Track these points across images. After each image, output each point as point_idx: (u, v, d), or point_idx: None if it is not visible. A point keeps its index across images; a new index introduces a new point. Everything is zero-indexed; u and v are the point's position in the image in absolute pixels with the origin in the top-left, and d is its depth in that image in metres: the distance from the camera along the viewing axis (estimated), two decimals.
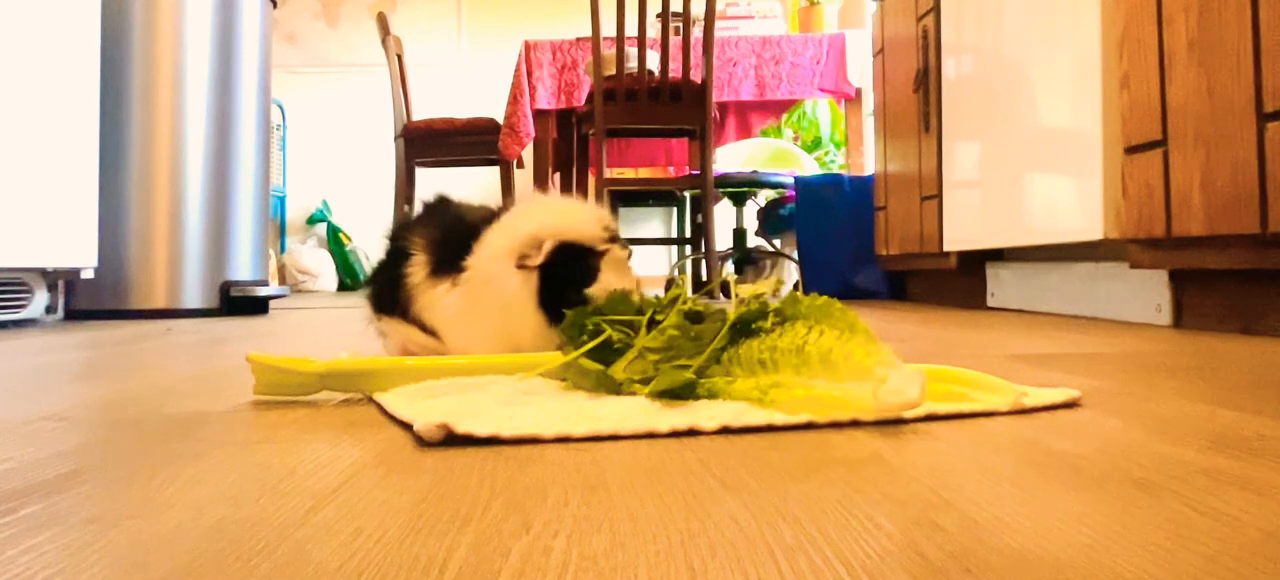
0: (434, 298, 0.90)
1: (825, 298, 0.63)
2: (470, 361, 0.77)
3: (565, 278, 0.86)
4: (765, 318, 0.64)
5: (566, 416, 0.57)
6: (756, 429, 0.55)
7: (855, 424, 0.56)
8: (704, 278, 3.09)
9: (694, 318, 0.68)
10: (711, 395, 0.62)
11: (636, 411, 0.58)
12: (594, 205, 0.94)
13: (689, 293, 0.73)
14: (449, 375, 0.74)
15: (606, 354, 0.70)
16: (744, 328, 0.65)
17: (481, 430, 0.53)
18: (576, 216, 0.90)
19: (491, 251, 0.88)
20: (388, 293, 0.95)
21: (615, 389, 0.67)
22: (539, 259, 0.85)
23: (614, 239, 0.90)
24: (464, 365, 0.76)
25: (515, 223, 0.90)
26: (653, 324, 0.70)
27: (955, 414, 0.59)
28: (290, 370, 0.70)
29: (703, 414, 0.57)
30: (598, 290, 0.85)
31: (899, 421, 0.57)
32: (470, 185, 4.48)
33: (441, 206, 1.00)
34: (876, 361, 0.57)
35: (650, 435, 0.54)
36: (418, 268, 0.92)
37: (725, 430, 0.55)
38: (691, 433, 0.54)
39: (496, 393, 0.68)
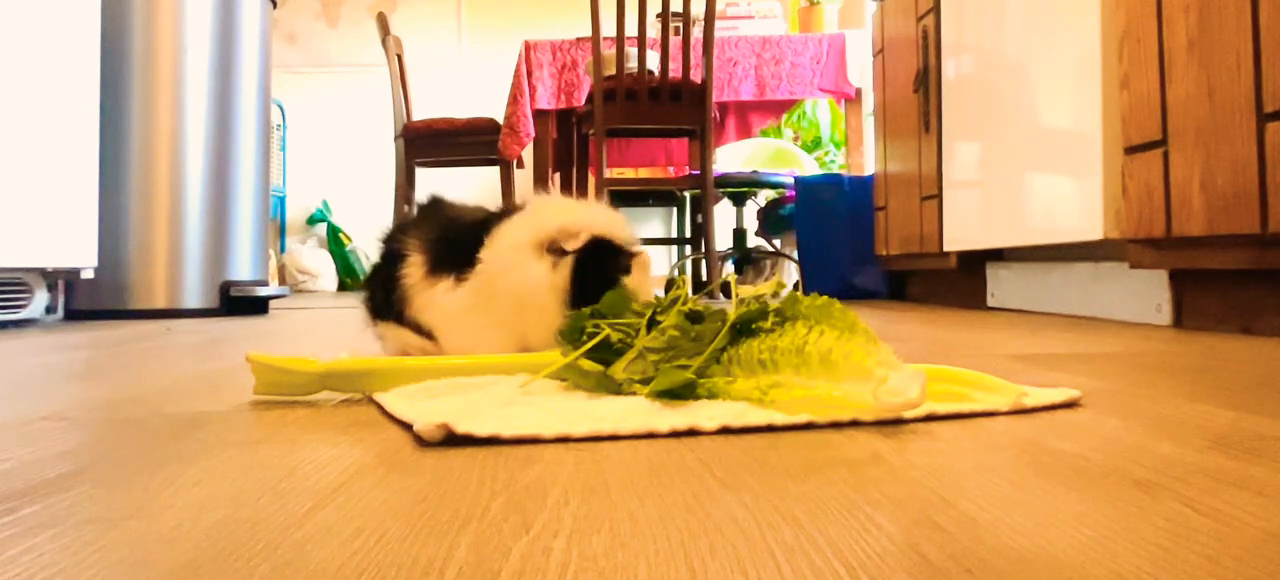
0: (432, 297, 0.90)
1: (825, 298, 0.62)
2: (471, 362, 0.77)
3: (600, 268, 0.86)
4: (765, 318, 0.64)
5: (566, 416, 0.57)
6: (756, 429, 0.55)
7: (855, 424, 0.56)
8: (704, 278, 3.09)
9: (694, 318, 0.68)
10: (712, 395, 0.62)
11: (637, 411, 0.58)
12: (620, 215, 0.95)
13: (690, 293, 0.73)
14: (449, 375, 0.74)
15: (606, 354, 0.70)
16: (744, 328, 0.65)
17: (481, 430, 0.53)
18: (606, 217, 0.91)
19: (511, 242, 0.88)
20: (383, 297, 0.95)
21: (615, 389, 0.67)
22: (577, 245, 0.86)
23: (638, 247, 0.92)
24: (464, 365, 0.76)
25: (536, 217, 0.90)
26: (653, 324, 0.70)
27: (956, 414, 0.59)
28: (290, 370, 0.70)
29: (703, 414, 0.57)
30: (632, 283, 0.86)
31: (899, 421, 0.57)
32: (470, 185, 4.48)
33: (435, 207, 0.99)
34: (876, 361, 0.57)
35: (650, 435, 0.54)
36: (414, 268, 0.91)
37: (725, 430, 0.55)
38: (692, 433, 0.54)
39: (497, 393, 0.68)
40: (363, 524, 0.37)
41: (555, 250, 0.86)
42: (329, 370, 0.71)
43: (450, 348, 0.90)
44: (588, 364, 0.69)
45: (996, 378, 0.65)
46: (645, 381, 0.65)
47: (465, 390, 0.69)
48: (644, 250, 0.91)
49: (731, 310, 0.67)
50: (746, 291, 0.68)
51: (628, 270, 0.88)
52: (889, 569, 0.30)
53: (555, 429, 0.54)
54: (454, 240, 0.90)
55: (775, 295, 0.68)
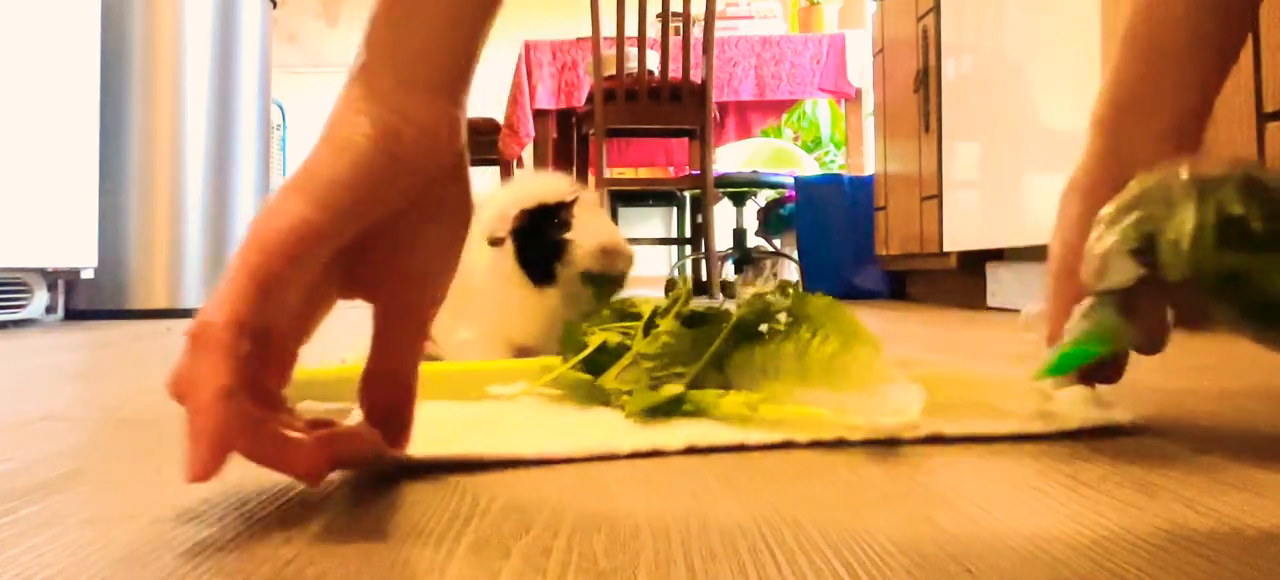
0: None
1: (828, 299, 0.58)
2: (454, 368, 0.73)
3: (540, 235, 0.82)
4: (771, 319, 0.60)
5: (528, 436, 0.52)
6: (725, 448, 0.50)
7: (841, 444, 0.51)
8: (704, 278, 3.09)
9: (696, 320, 0.64)
10: (698, 410, 0.57)
11: (602, 429, 0.54)
12: (559, 174, 0.91)
13: (691, 293, 0.69)
14: (433, 381, 0.70)
15: (603, 357, 0.65)
16: (748, 331, 0.61)
17: (423, 453, 0.47)
18: (538, 183, 0.87)
19: (471, 245, 0.87)
20: None
21: (605, 400, 0.62)
22: (507, 228, 0.83)
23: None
24: (448, 371, 0.72)
25: (483, 211, 0.87)
26: (652, 327, 0.66)
27: (967, 437, 0.52)
28: None
29: (672, 434, 0.52)
30: (576, 234, 0.81)
31: (894, 442, 0.51)
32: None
33: None
34: (876, 374, 0.53)
35: (610, 457, 0.49)
36: None
37: (691, 450, 0.50)
38: (655, 453, 0.49)
39: (473, 408, 0.62)
40: (364, 524, 0.37)
41: (495, 243, 0.83)
42: (309, 379, 0.66)
43: (446, 353, 0.88)
44: (574, 374, 0.64)
45: (1018, 380, 0.59)
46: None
47: (437, 404, 0.63)
48: (583, 193, 0.84)
49: (735, 311, 0.63)
50: (751, 293, 0.64)
51: (567, 223, 0.82)
52: (889, 568, 0.30)
53: (501, 450, 0.48)
54: None
55: (782, 293, 0.63)
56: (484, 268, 0.84)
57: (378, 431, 0.42)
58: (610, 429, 0.55)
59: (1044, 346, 0.55)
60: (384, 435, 0.42)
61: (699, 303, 0.68)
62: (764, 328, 0.61)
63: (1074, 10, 1.59)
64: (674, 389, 0.58)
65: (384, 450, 0.42)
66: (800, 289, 0.59)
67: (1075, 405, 0.54)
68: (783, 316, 0.60)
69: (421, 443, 0.45)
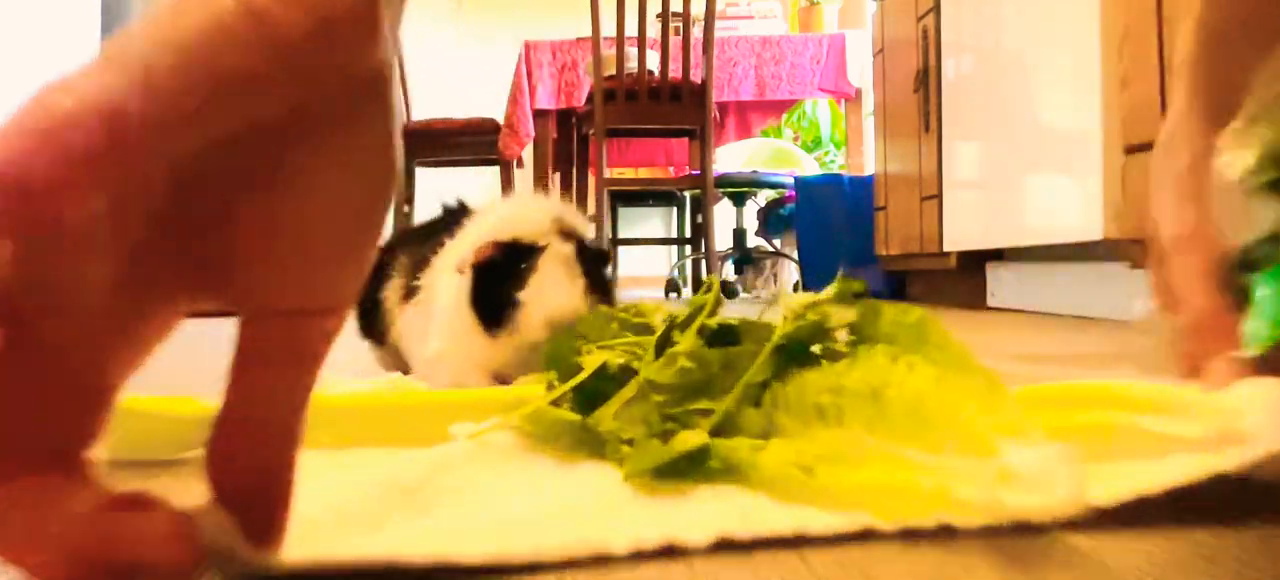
0: (404, 324, 0.84)
1: (918, 311, 0.41)
2: (411, 398, 0.62)
3: (497, 280, 0.75)
4: (827, 338, 0.44)
5: (479, 516, 0.37)
6: (778, 541, 0.34)
7: (947, 532, 0.34)
8: (704, 278, 3.10)
9: (726, 336, 0.48)
10: (728, 468, 0.39)
11: (594, 505, 0.38)
12: (556, 202, 0.84)
13: (720, 300, 0.51)
14: (381, 415, 0.56)
15: (602, 384, 0.49)
16: (796, 353, 0.44)
17: (305, 557, 0.30)
18: (524, 214, 0.80)
19: (445, 264, 0.81)
20: (369, 316, 0.89)
21: (600, 448, 0.45)
22: (471, 261, 0.76)
23: (567, 234, 0.76)
24: (403, 404, 0.58)
25: (468, 231, 0.82)
26: (667, 345, 0.48)
27: (1134, 504, 0.35)
28: (156, 416, 0.50)
29: (693, 517, 0.35)
30: (530, 295, 0.72)
31: (1030, 530, 0.33)
32: (470, 185, 4.47)
33: (449, 216, 0.91)
34: (999, 425, 0.34)
35: (600, 559, 0.32)
36: (394, 290, 0.86)
37: (725, 544, 0.33)
38: (670, 551, 0.33)
39: (406, 457, 0.44)
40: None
41: (460, 271, 0.77)
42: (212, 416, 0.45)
43: (420, 375, 0.82)
44: (557, 413, 0.48)
45: (1187, 390, 0.44)
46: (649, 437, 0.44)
47: (361, 454, 0.48)
48: (555, 241, 0.75)
49: (779, 326, 0.46)
50: (800, 301, 0.46)
51: (527, 273, 0.73)
52: (889, 568, 0.30)
53: (425, 550, 0.31)
54: (425, 258, 0.83)
55: (844, 300, 0.45)
56: (448, 294, 0.78)
57: (229, 519, 0.26)
58: (603, 502, 0.39)
59: (1168, 350, 0.44)
60: (242, 527, 0.26)
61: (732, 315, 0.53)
62: (818, 348, 0.45)
63: (1074, 10, 1.59)
64: (693, 439, 0.40)
65: (239, 550, 0.26)
66: (871, 297, 0.44)
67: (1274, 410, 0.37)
68: (844, 333, 0.44)
69: (310, 534, 0.30)
